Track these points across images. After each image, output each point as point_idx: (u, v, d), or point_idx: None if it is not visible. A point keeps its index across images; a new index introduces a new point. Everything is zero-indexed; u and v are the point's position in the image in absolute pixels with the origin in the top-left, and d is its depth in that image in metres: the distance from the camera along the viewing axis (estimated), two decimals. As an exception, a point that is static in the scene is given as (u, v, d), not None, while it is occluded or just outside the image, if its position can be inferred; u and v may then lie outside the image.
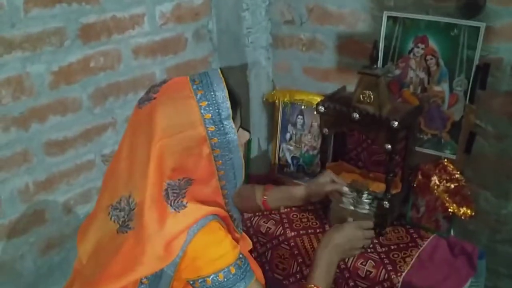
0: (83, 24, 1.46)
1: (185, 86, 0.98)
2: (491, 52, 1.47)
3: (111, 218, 1.00)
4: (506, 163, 1.57)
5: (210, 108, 0.95)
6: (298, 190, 1.49)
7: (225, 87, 0.98)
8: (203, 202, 1.02)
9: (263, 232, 1.67)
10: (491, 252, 1.65)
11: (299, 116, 1.90)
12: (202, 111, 0.95)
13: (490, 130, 1.56)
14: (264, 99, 1.98)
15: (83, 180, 1.59)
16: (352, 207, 1.51)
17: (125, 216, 0.99)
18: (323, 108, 1.55)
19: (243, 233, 1.20)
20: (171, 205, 0.98)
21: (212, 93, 0.96)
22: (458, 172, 1.55)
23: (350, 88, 1.59)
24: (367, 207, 1.50)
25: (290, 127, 1.93)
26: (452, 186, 1.55)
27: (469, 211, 1.52)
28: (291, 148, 1.95)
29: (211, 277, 0.99)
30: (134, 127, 1.01)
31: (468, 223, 1.64)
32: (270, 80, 2.02)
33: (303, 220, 1.70)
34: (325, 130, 1.59)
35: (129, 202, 0.98)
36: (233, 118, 1.00)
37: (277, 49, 1.95)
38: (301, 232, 1.64)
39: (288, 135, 1.95)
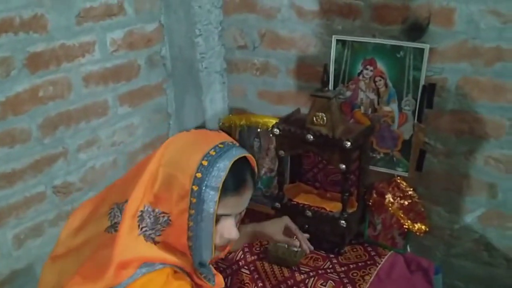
0: (31, 53, 1.43)
1: (212, 142, 0.99)
2: (436, 72, 1.53)
3: (109, 215, 1.02)
4: (456, 179, 1.62)
5: (205, 169, 0.95)
6: (246, 228, 1.44)
7: (232, 161, 0.96)
8: (173, 251, 1.00)
9: (223, 257, 1.65)
10: (447, 267, 1.69)
11: (256, 139, 1.91)
12: (198, 168, 0.95)
13: (439, 147, 1.61)
14: (220, 124, 1.98)
15: (33, 213, 1.53)
16: (285, 245, 1.53)
17: (119, 218, 0.99)
18: (278, 131, 1.56)
19: (216, 280, 1.13)
20: (140, 229, 0.97)
21: (218, 159, 0.96)
22: (411, 189, 1.58)
23: (305, 110, 1.62)
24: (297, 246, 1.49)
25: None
26: (406, 203, 1.58)
27: (423, 227, 1.55)
28: (251, 171, 1.95)
29: None
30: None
31: (424, 239, 1.67)
32: (225, 104, 2.03)
33: (263, 243, 1.69)
34: (281, 152, 1.60)
35: (124, 207, 0.99)
36: (223, 197, 0.97)
37: (232, 73, 1.97)
38: (261, 256, 1.63)
39: (245, 159, 1.94)
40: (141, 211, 0.98)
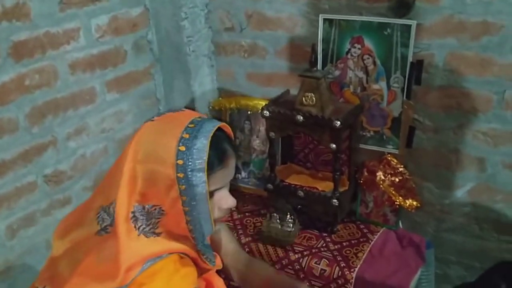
0: (15, 42, 1.41)
1: (181, 124, 0.97)
2: (424, 48, 1.53)
3: (97, 219, 1.00)
4: (445, 154, 1.63)
5: (185, 154, 0.93)
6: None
7: (209, 138, 0.95)
8: (176, 237, 1.00)
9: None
10: (439, 241, 1.71)
11: (246, 122, 1.91)
12: (177, 155, 0.93)
13: (428, 123, 1.62)
14: (210, 107, 1.98)
15: (25, 203, 1.53)
16: (279, 226, 1.60)
17: (108, 221, 0.98)
18: (268, 113, 1.56)
19: (216, 261, 1.15)
20: (137, 229, 0.96)
21: (194, 140, 0.94)
22: (402, 166, 1.59)
23: (294, 91, 1.62)
24: (291, 225, 1.60)
25: (238, 133, 1.93)
26: (397, 180, 1.60)
27: (414, 203, 1.57)
28: (241, 154, 1.95)
29: None
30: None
31: (415, 215, 1.70)
32: (214, 87, 2.02)
33: (257, 224, 1.71)
34: (272, 134, 1.61)
35: (114, 210, 0.97)
36: (211, 174, 0.97)
37: (220, 56, 1.96)
38: (255, 237, 1.65)
39: (237, 141, 1.95)
40: (132, 212, 0.97)
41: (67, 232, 1.06)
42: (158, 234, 0.98)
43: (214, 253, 1.13)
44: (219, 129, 1.01)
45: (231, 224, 1.71)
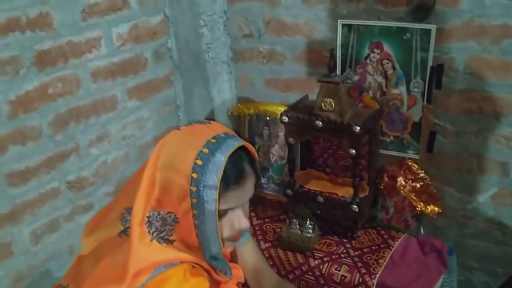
0: (38, 51, 1.44)
1: (204, 138, 0.97)
2: (444, 52, 1.52)
3: (121, 220, 1.03)
4: (467, 159, 1.61)
5: (201, 169, 0.93)
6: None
7: (227, 156, 0.95)
8: (189, 246, 1.01)
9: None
10: (461, 247, 1.69)
11: (265, 128, 1.91)
12: (193, 168, 0.94)
13: (449, 128, 1.60)
14: (229, 113, 1.99)
15: (48, 209, 1.55)
16: (299, 232, 1.61)
17: (129, 223, 0.99)
18: (286, 118, 1.56)
19: (236, 273, 1.15)
20: (151, 234, 0.97)
21: (212, 156, 0.94)
22: (422, 171, 1.58)
23: (313, 96, 1.62)
24: (310, 231, 1.60)
25: (257, 139, 1.94)
26: (418, 185, 1.58)
27: (436, 208, 1.55)
28: (260, 159, 1.96)
29: None
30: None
31: (436, 220, 1.68)
32: (233, 93, 2.03)
33: (276, 230, 1.70)
34: (291, 140, 1.61)
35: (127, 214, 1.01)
36: (225, 192, 0.97)
37: (238, 62, 1.97)
38: (274, 243, 1.64)
39: (256, 147, 1.95)
40: (147, 217, 0.97)
41: (93, 231, 1.09)
42: (171, 242, 0.98)
43: (234, 264, 1.13)
44: (242, 148, 1.00)
45: (251, 229, 1.71)
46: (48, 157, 1.53)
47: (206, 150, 0.95)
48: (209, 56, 1.88)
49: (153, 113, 1.88)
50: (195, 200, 0.94)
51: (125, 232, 1.01)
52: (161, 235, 0.98)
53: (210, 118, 1.96)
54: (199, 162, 0.94)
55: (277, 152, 1.90)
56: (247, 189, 1.03)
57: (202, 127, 1.02)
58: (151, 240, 0.97)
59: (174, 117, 1.99)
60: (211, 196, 0.94)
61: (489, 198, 1.63)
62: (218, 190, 0.94)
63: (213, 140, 0.97)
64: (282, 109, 1.69)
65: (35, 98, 1.46)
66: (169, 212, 0.98)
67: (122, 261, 0.95)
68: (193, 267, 1.02)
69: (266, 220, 1.77)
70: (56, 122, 1.53)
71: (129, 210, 1.01)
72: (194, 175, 0.93)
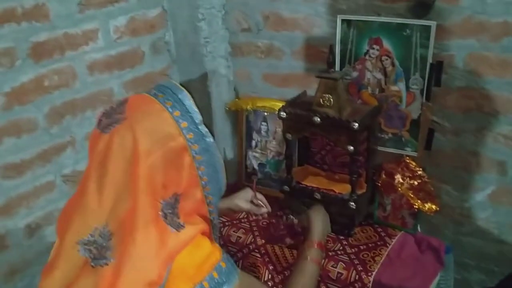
0: (34, 43, 1.43)
1: (151, 100, 0.97)
2: (443, 49, 1.51)
3: (80, 254, 0.94)
4: (465, 157, 1.60)
5: (184, 116, 0.97)
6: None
7: (189, 94, 1.00)
8: (193, 218, 1.01)
9: (233, 241, 1.66)
10: (458, 245, 1.68)
11: (263, 123, 1.90)
12: (178, 121, 0.96)
13: (447, 125, 1.59)
14: (227, 108, 1.98)
15: (43, 202, 1.54)
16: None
17: (99, 248, 0.93)
18: (284, 114, 1.55)
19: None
20: (171, 225, 0.96)
21: (180, 103, 0.97)
22: (420, 169, 1.57)
23: (311, 92, 1.61)
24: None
25: (254, 135, 1.93)
26: (416, 183, 1.57)
27: (433, 206, 1.54)
28: (257, 155, 1.95)
29: (207, 279, 0.97)
30: (102, 154, 0.94)
31: (433, 218, 1.67)
32: (231, 88, 2.02)
33: (274, 227, 1.69)
34: (289, 135, 1.60)
35: (105, 233, 0.93)
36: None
37: (236, 57, 1.95)
38: (271, 239, 1.63)
39: (253, 143, 1.94)
40: (161, 210, 0.95)
41: (53, 277, 0.97)
42: (183, 226, 0.98)
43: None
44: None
45: (247, 225, 1.70)
46: (43, 150, 1.52)
47: (169, 103, 0.97)
48: (207, 50, 1.87)
49: (150, 107, 1.87)
50: (196, 145, 0.98)
51: (104, 258, 0.92)
52: (175, 223, 0.97)
53: (207, 113, 1.95)
54: (177, 113, 0.96)
55: (275, 148, 1.89)
56: None
57: (133, 101, 1.00)
58: (172, 232, 0.95)
59: (171, 112, 1.97)
60: (205, 129, 1.00)
61: (486, 196, 1.62)
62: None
63: (160, 95, 0.98)
64: (280, 104, 1.67)
65: (30, 90, 1.44)
66: (172, 195, 0.97)
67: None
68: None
69: (263, 216, 1.76)
70: (52, 114, 1.52)
71: (85, 240, 0.93)
72: (184, 124, 0.96)
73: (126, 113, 0.96)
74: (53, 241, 1.55)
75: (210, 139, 1.00)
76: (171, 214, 0.96)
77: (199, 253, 0.99)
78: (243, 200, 1.52)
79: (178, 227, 0.97)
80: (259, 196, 1.54)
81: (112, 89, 1.70)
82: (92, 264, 0.92)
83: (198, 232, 1.01)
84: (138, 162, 0.92)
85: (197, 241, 1.00)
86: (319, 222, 1.44)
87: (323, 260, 1.48)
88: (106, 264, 0.92)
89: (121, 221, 0.92)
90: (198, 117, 0.99)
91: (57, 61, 1.50)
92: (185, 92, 1.00)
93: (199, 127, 0.99)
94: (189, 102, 0.99)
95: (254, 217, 1.74)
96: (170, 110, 0.96)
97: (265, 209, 1.54)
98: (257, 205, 1.54)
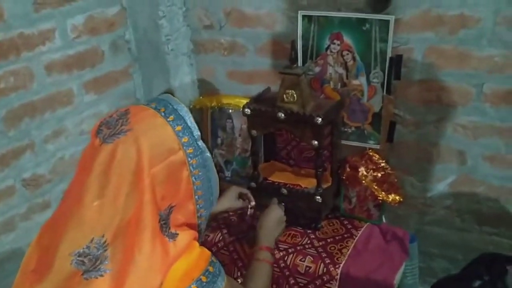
0: (-12, 44, 1.38)
1: (154, 114, 0.99)
2: (402, 43, 1.54)
3: (72, 266, 0.91)
4: (426, 148, 1.64)
5: (185, 131, 0.99)
6: None
7: (188, 109, 1.03)
8: (182, 228, 1.02)
9: (202, 240, 1.65)
10: (422, 235, 1.72)
11: (228, 120, 1.90)
12: (179, 135, 0.98)
13: (408, 118, 1.62)
14: (191, 106, 1.96)
15: (3, 208, 1.49)
16: None
17: (93, 260, 0.91)
18: (249, 110, 1.55)
19: None
20: (167, 236, 0.98)
21: (181, 118, 1.00)
22: (383, 161, 1.60)
23: (275, 88, 1.61)
24: None
25: (220, 132, 1.92)
26: (379, 175, 1.60)
27: (397, 197, 1.58)
28: (223, 152, 1.94)
29: (196, 283, 0.98)
30: (104, 165, 0.93)
31: (398, 209, 1.70)
32: (195, 86, 2.00)
33: (240, 224, 1.69)
34: (254, 132, 1.60)
35: (100, 244, 0.91)
36: None
37: (199, 54, 1.94)
38: (239, 236, 1.64)
39: (219, 140, 1.94)
40: (159, 221, 0.96)
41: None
42: (176, 234, 0.99)
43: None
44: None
45: (215, 223, 1.69)
46: (1, 154, 1.46)
47: (172, 118, 0.99)
48: (169, 48, 1.84)
49: (112, 107, 1.83)
50: (195, 160, 1.00)
51: (99, 270, 0.91)
52: (169, 233, 0.98)
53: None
54: (179, 128, 0.98)
55: (241, 144, 1.89)
56: None
57: (136, 114, 1.00)
58: (171, 241, 0.97)
59: (135, 111, 1.94)
60: (203, 145, 1.02)
61: (448, 185, 1.66)
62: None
63: (162, 109, 1.00)
64: (245, 101, 1.67)
65: (-15, 93, 1.40)
66: (167, 207, 0.99)
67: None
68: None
69: (230, 213, 1.75)
70: (9, 117, 1.47)
71: (80, 251, 0.91)
72: (185, 139, 0.98)
73: (130, 124, 0.97)
74: (16, 247, 1.53)
75: (207, 154, 1.03)
76: (165, 224, 0.98)
77: (190, 258, 1.01)
78: (233, 199, 1.56)
79: (173, 236, 0.99)
80: (244, 191, 1.59)
81: (71, 89, 1.66)
82: (85, 276, 0.91)
83: (191, 238, 1.03)
84: (143, 174, 0.93)
85: (189, 247, 1.02)
86: (265, 228, 1.46)
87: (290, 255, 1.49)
88: (102, 276, 0.91)
89: (118, 232, 0.92)
90: (197, 133, 1.01)
91: (13, 62, 1.45)
92: (185, 107, 1.03)
93: (198, 142, 1.01)
94: (188, 117, 1.01)
95: (222, 215, 1.72)
96: (172, 124, 0.98)
97: (253, 202, 1.58)
98: (246, 199, 1.58)
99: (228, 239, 1.63)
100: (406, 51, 1.53)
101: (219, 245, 1.63)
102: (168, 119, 0.99)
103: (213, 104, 1.90)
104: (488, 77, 1.48)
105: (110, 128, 0.97)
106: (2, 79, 1.43)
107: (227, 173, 1.94)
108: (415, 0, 1.48)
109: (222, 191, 1.52)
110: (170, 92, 1.88)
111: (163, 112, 1.00)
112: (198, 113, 1.95)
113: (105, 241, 0.91)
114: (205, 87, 1.99)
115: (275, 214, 1.51)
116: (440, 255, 1.77)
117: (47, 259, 0.93)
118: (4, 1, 1.40)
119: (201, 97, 1.97)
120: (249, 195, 1.59)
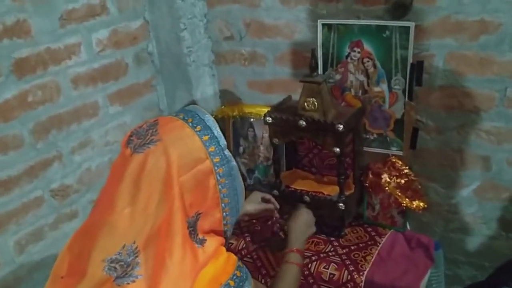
0: (16, 59, 1.42)
1: (183, 125, 1.03)
2: (423, 49, 1.53)
3: (104, 272, 0.93)
4: (449, 154, 1.63)
5: (212, 141, 1.02)
6: None
7: (214, 119, 1.06)
8: (210, 234, 1.05)
9: (226, 248, 1.66)
10: (447, 242, 1.70)
11: (250, 129, 1.91)
12: (206, 145, 1.01)
13: (431, 124, 1.62)
14: (213, 116, 1.98)
15: (32, 218, 1.53)
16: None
17: (125, 266, 0.93)
18: (270, 119, 1.56)
19: None
20: (196, 242, 1.00)
21: (208, 128, 1.03)
22: (407, 168, 1.59)
23: (295, 97, 1.62)
24: None
25: (242, 141, 1.94)
26: (402, 181, 1.59)
27: (421, 204, 1.56)
28: (245, 161, 1.96)
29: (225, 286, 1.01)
30: (135, 174, 0.96)
31: (422, 216, 1.69)
32: (217, 96, 2.03)
33: (264, 231, 1.70)
34: (275, 140, 1.61)
35: (132, 250, 0.94)
36: None
37: (220, 65, 1.97)
38: (262, 244, 1.64)
39: (241, 149, 1.95)
40: (188, 228, 0.99)
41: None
42: (205, 239, 1.02)
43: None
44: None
45: (239, 231, 1.71)
46: (30, 166, 1.51)
47: (199, 128, 1.02)
48: (190, 60, 1.87)
49: (136, 118, 1.86)
50: (222, 169, 1.03)
51: (131, 276, 0.93)
52: (197, 239, 1.01)
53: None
54: (206, 138, 1.02)
55: (263, 153, 1.90)
56: None
57: (164, 124, 1.03)
58: (200, 246, 1.01)
59: (158, 122, 1.97)
60: (229, 154, 1.05)
61: (472, 192, 1.65)
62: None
63: (189, 120, 1.03)
64: (266, 110, 1.69)
65: (14, 107, 1.44)
66: (194, 213, 1.01)
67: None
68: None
69: (254, 221, 1.76)
70: (37, 130, 1.51)
71: (113, 258, 0.93)
72: (212, 149, 1.02)
73: (159, 135, 1.00)
74: (44, 256, 1.57)
75: (233, 163, 1.06)
76: (193, 231, 1.01)
77: (218, 263, 1.03)
78: (256, 203, 1.58)
79: (201, 242, 1.02)
80: (267, 195, 1.60)
81: (97, 101, 1.70)
82: (116, 282, 0.92)
83: (219, 244, 1.06)
84: (172, 183, 0.96)
85: (217, 252, 1.05)
86: (296, 231, 1.46)
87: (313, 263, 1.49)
88: (134, 282, 0.93)
89: (149, 238, 0.95)
90: (223, 142, 1.04)
91: (41, 76, 1.50)
92: (211, 117, 1.06)
93: (225, 151, 1.04)
94: (215, 127, 1.05)
95: (245, 223, 1.74)
96: (200, 134, 1.02)
97: (277, 205, 1.59)
98: (268, 202, 1.59)
99: (252, 247, 1.64)
100: (427, 57, 1.53)
101: (243, 252, 1.64)
102: (195, 129, 1.02)
103: (234, 114, 1.92)
104: (511, 82, 1.47)
105: (140, 139, 1.00)
106: (30, 93, 1.48)
107: (250, 181, 1.95)
108: (434, 7, 1.48)
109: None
110: (193, 103, 1.91)
111: (191, 122, 1.03)
112: (220, 122, 1.97)
113: (136, 248, 0.94)
114: (227, 97, 2.02)
115: (304, 217, 1.52)
116: (467, 262, 1.74)
117: (79, 266, 0.95)
118: (31, 17, 1.44)
119: (223, 107, 1.99)
120: (273, 199, 1.60)
